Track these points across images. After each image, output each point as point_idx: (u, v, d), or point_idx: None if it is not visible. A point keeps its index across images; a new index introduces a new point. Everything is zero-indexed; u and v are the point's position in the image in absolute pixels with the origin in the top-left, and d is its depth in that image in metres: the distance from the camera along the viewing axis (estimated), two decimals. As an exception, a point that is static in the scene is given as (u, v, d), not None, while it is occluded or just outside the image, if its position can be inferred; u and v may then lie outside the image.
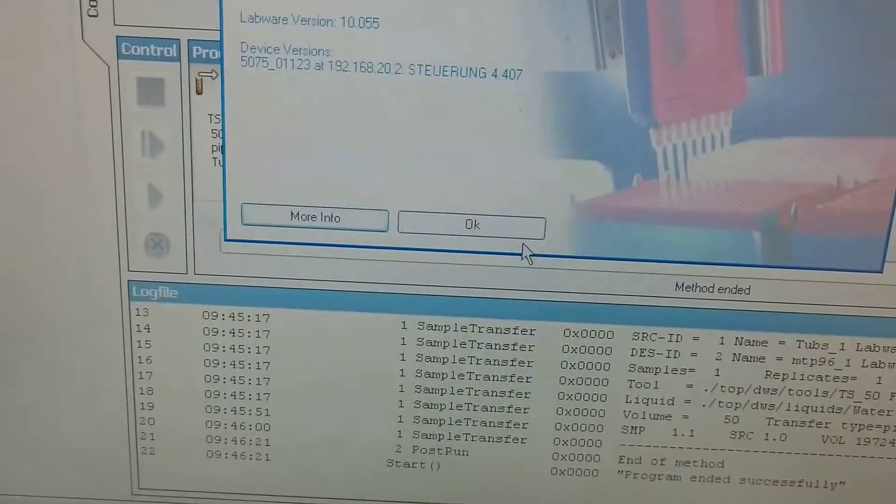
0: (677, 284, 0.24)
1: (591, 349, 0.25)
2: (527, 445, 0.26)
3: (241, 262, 0.24)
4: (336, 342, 0.25)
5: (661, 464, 0.26)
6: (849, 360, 0.24)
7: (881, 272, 0.24)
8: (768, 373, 0.25)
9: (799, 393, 0.25)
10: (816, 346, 0.24)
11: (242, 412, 0.26)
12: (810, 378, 0.25)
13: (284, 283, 0.24)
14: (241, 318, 0.25)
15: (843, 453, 0.25)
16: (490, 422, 0.25)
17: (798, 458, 0.26)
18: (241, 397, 0.26)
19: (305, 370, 0.25)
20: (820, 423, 0.25)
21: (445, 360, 0.25)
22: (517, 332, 0.24)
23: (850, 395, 0.25)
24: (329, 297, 0.24)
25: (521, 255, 0.24)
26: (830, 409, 0.25)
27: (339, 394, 0.25)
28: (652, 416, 0.25)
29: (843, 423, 0.25)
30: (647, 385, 0.25)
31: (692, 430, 0.25)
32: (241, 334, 0.25)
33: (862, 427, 0.25)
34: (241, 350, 0.25)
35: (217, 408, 0.26)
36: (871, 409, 0.25)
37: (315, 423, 0.26)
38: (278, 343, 0.25)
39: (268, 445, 0.26)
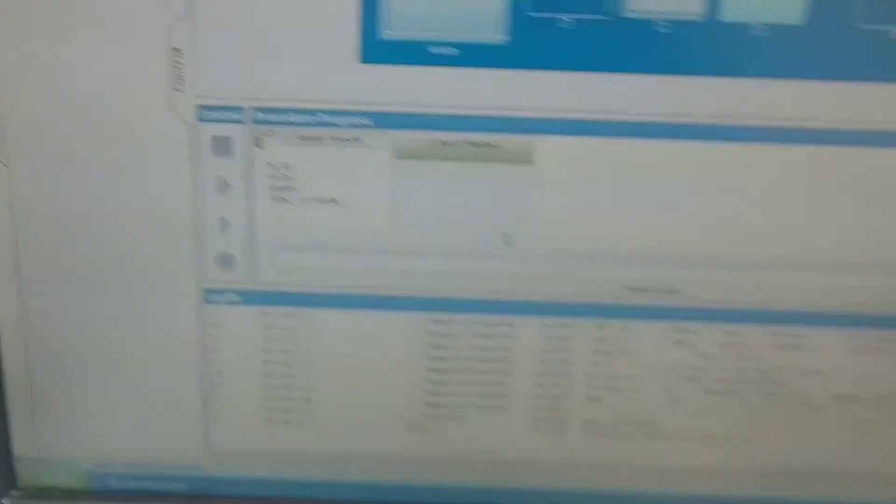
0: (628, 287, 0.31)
1: (559, 337, 0.32)
2: (506, 410, 0.33)
3: (288, 273, 0.31)
4: (364, 337, 0.32)
5: (620, 426, 0.33)
6: (759, 343, 0.32)
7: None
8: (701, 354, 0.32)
9: (724, 370, 0.32)
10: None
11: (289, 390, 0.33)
12: (732, 357, 0.32)
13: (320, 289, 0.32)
14: (289, 316, 0.32)
15: (758, 415, 0.33)
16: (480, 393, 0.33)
17: (725, 419, 0.33)
18: (290, 377, 0.33)
19: (337, 361, 0.33)
20: (740, 392, 0.33)
21: (448, 347, 0.32)
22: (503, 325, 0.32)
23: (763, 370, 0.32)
24: (357, 299, 0.32)
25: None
26: (748, 381, 0.32)
27: (368, 378, 0.33)
28: (610, 389, 0.33)
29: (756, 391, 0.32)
30: (606, 365, 0.32)
31: (643, 399, 0.33)
32: (288, 329, 0.32)
33: (772, 395, 0.33)
34: (289, 341, 0.33)
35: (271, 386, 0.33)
36: (779, 380, 0.32)
37: (347, 402, 0.33)
38: (319, 336, 0.32)
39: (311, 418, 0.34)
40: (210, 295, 0.32)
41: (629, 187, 0.30)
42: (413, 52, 0.29)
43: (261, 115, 0.30)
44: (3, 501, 0.35)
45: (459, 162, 0.30)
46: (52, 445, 0.34)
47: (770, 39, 0.28)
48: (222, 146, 0.30)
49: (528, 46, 0.28)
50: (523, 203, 0.30)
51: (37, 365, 0.33)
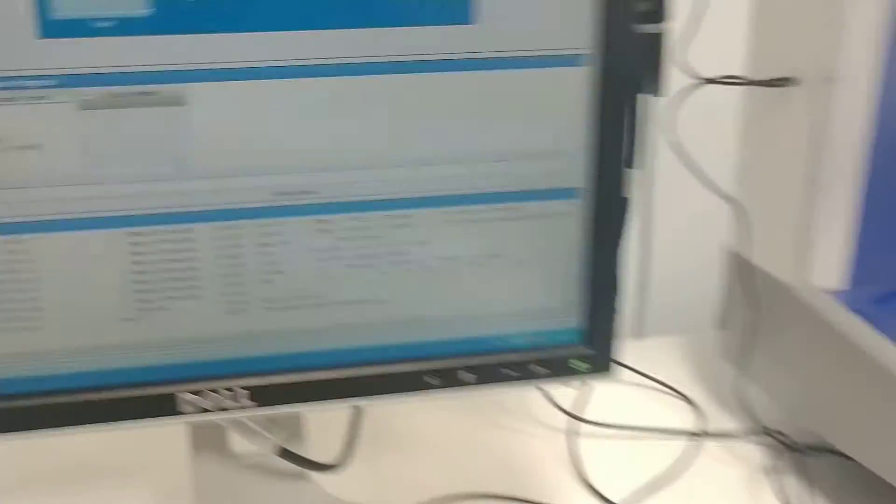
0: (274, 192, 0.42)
1: (229, 237, 0.42)
2: (200, 299, 0.43)
3: (10, 207, 0.40)
4: (75, 253, 0.41)
5: (290, 300, 0.44)
6: (380, 224, 0.43)
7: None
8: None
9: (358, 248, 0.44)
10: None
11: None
12: (363, 238, 0.44)
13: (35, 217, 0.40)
14: (13, 242, 0.41)
15: (391, 279, 0.44)
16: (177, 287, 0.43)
17: (368, 285, 0.44)
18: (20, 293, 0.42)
19: (58, 275, 0.41)
20: (374, 264, 0.44)
21: (145, 254, 0.42)
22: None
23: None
24: (66, 223, 0.41)
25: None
26: (378, 255, 0.44)
27: (84, 286, 0.42)
28: (276, 273, 0.43)
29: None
30: (269, 254, 0.43)
31: (303, 276, 0.43)
32: (12, 252, 0.41)
33: (396, 262, 0.44)
34: (15, 262, 0.41)
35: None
36: (400, 251, 0.44)
37: (71, 307, 0.42)
38: (39, 257, 0.41)
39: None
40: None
41: (265, 117, 0.41)
42: (80, 27, 0.38)
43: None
44: None
45: (130, 108, 0.39)
46: None
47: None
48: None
49: (166, 16, 0.38)
50: (185, 136, 0.40)
51: None
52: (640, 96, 0.67)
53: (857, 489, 0.60)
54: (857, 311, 0.57)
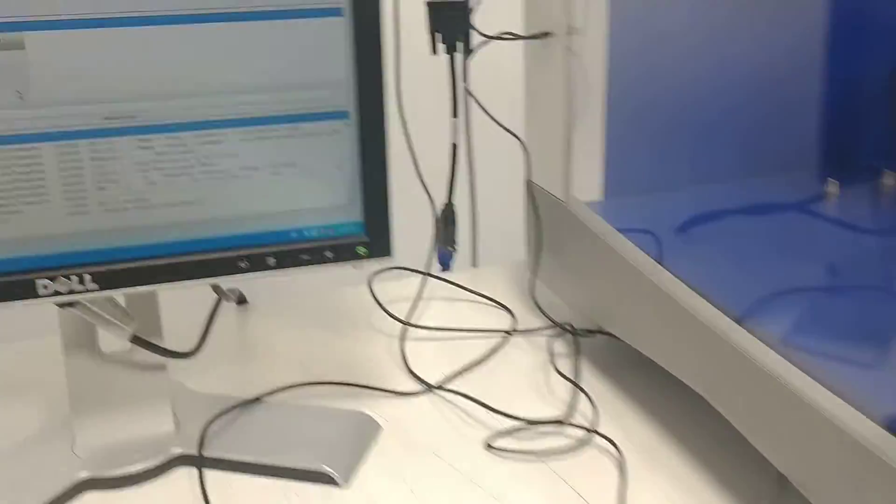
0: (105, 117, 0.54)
1: (69, 153, 0.54)
2: (48, 203, 0.55)
3: None
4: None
5: (123, 203, 0.56)
6: (193, 141, 0.56)
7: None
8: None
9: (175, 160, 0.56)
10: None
11: None
12: (180, 152, 0.56)
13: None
14: None
15: (202, 186, 0.57)
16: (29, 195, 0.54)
17: (185, 190, 0.57)
18: None
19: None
20: (189, 174, 0.56)
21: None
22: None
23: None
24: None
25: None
26: (192, 166, 0.56)
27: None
28: (109, 181, 0.55)
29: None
30: (103, 167, 0.55)
31: (132, 184, 0.56)
32: None
33: (206, 172, 0.57)
34: None
35: None
36: (209, 163, 0.56)
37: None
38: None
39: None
40: None
41: (92, 58, 0.53)
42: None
43: None
44: None
45: (-18, 52, 0.51)
46: None
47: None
48: None
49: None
50: (26, 73, 0.52)
51: None
52: (454, 55, 0.81)
53: (620, 359, 0.75)
54: (609, 216, 0.71)
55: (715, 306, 0.57)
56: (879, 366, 0.51)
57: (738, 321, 0.55)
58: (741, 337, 0.55)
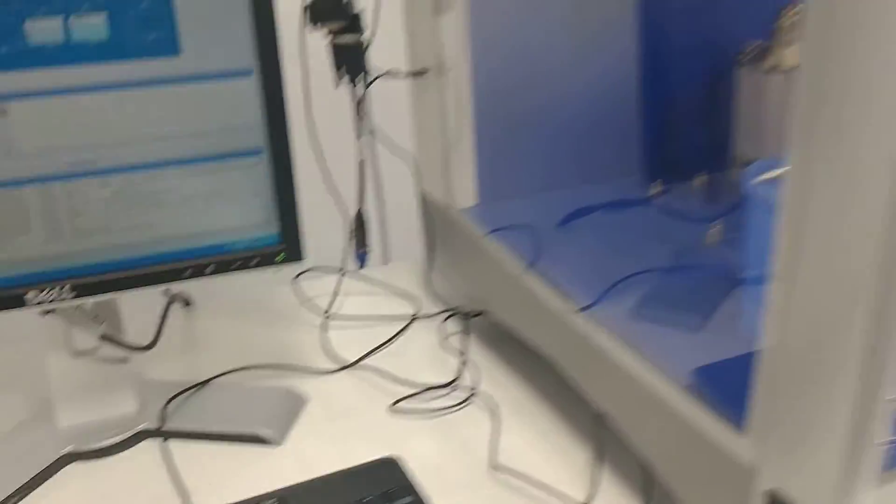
0: (72, 165, 0.69)
1: (48, 192, 0.70)
2: (30, 232, 0.70)
3: None
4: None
5: (92, 228, 0.71)
6: (142, 179, 0.72)
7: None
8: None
9: (131, 195, 0.72)
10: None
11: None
12: (135, 186, 0.72)
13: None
14: None
15: (147, 212, 0.73)
16: (14, 228, 0.70)
17: (137, 216, 0.72)
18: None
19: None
20: (142, 202, 0.72)
21: (-5, 208, 0.69)
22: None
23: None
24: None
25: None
26: (142, 195, 0.72)
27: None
28: (77, 214, 0.71)
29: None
30: (74, 199, 0.70)
31: (95, 212, 0.71)
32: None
33: (156, 202, 0.73)
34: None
35: None
36: (155, 193, 0.72)
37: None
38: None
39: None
40: None
41: (61, 120, 0.68)
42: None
43: None
44: None
45: (-26, 120, 0.66)
46: None
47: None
48: None
49: (-9, 65, 0.65)
50: (9, 133, 0.67)
51: None
52: (355, 87, 0.97)
53: (499, 334, 0.92)
54: (480, 219, 0.88)
55: (557, 292, 0.75)
56: (672, 330, 0.69)
57: (571, 300, 0.73)
58: (577, 317, 0.73)
